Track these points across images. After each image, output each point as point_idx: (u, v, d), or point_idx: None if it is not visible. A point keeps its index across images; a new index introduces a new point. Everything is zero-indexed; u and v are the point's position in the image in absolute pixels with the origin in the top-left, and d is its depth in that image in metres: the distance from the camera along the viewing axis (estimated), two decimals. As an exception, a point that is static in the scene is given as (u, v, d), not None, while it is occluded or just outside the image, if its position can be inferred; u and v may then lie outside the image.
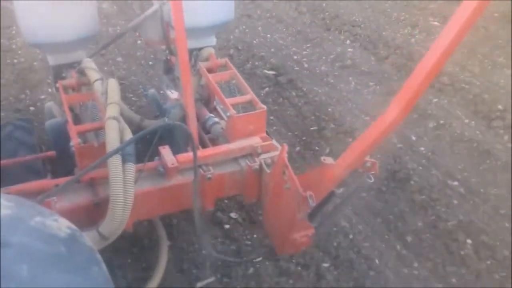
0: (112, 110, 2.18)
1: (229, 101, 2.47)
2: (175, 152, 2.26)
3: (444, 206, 3.15)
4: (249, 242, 2.92)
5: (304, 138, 3.90)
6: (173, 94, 3.20)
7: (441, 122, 4.04)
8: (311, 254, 2.79)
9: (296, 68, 5.02)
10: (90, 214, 2.09)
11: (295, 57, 5.28)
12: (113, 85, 2.36)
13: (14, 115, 4.17)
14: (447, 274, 2.71)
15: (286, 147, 2.06)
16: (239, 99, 2.62)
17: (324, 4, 6.62)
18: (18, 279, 1.02)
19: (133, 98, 4.43)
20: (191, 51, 2.74)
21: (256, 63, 5.11)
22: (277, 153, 2.24)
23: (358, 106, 4.33)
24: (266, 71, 4.93)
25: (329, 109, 4.26)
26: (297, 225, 2.08)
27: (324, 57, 5.26)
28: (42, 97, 4.46)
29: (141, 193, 2.11)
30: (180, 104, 2.66)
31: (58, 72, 2.90)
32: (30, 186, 2.09)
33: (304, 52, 5.39)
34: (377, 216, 3.07)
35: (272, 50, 5.45)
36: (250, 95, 2.53)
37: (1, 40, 5.48)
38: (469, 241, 2.90)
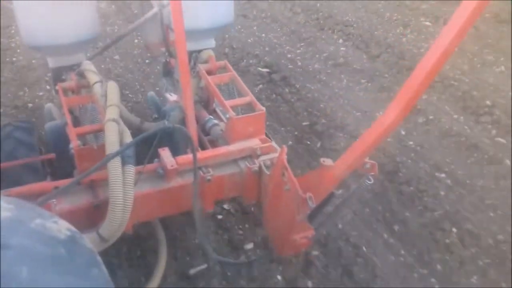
0: (112, 112, 2.17)
1: (228, 103, 2.48)
2: (175, 154, 2.26)
3: (431, 197, 3.24)
4: (241, 232, 3.00)
5: (296, 133, 3.99)
6: (172, 96, 3.21)
7: (430, 117, 4.14)
8: (301, 243, 2.87)
9: (290, 66, 5.12)
10: (90, 216, 2.09)
11: (289, 55, 5.38)
12: (112, 87, 2.37)
13: (12, 111, 4.26)
14: (432, 260, 2.80)
15: (285, 149, 2.05)
16: (238, 101, 2.61)
17: (318, 5, 6.74)
18: (18, 281, 1.02)
19: (130, 95, 4.52)
20: (190, 53, 2.75)
21: (251, 61, 5.21)
22: (276, 154, 2.25)
23: (350, 102, 4.42)
24: (260, 69, 5.03)
25: (321, 105, 4.35)
26: (297, 227, 2.08)
27: (317, 56, 5.36)
28: (41, 94, 4.55)
29: (140, 195, 2.10)
30: (180, 106, 2.67)
31: (58, 75, 2.90)
32: (30, 188, 2.09)
33: (298, 51, 5.50)
34: (365, 207, 3.15)
35: (267, 49, 5.56)
36: (249, 97, 2.53)
37: (1, 39, 5.58)
38: (454, 229, 2.98)
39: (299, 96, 4.51)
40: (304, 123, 4.10)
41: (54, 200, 2.00)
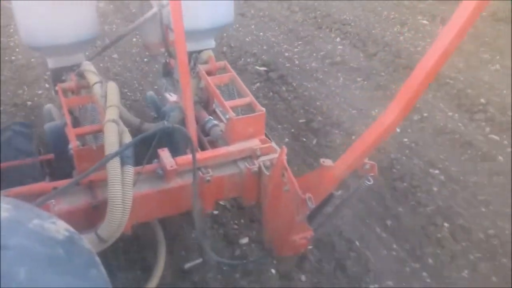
0: (111, 113, 2.17)
1: (228, 103, 2.48)
2: (174, 154, 2.26)
3: (424, 192, 3.29)
4: (236, 227, 3.05)
5: (292, 130, 4.04)
6: (172, 97, 3.22)
7: (425, 115, 4.18)
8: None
9: (287, 65, 5.16)
10: (89, 217, 2.08)
11: (286, 54, 5.42)
12: (112, 88, 2.37)
13: (11, 109, 4.31)
14: (424, 255, 2.84)
15: (285, 150, 2.04)
16: (238, 101, 2.60)
17: (316, 4, 6.78)
18: (16, 281, 1.02)
19: (128, 93, 4.57)
20: (190, 54, 2.74)
21: (248, 59, 5.26)
22: (276, 155, 2.25)
23: (346, 100, 4.46)
24: (257, 67, 5.07)
25: (318, 103, 4.40)
26: (296, 227, 2.09)
27: (314, 54, 5.40)
28: (39, 92, 4.60)
29: (139, 195, 2.10)
30: (179, 106, 2.67)
31: (58, 75, 2.89)
32: (28, 188, 2.08)
33: (295, 50, 5.54)
34: (358, 202, 3.20)
35: (264, 47, 5.60)
36: (249, 98, 2.53)
37: (1, 39, 5.63)
38: (446, 224, 3.03)
39: (296, 94, 4.55)
40: (301, 121, 4.15)
41: (53, 200, 2.00)
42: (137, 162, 2.05)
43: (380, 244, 2.91)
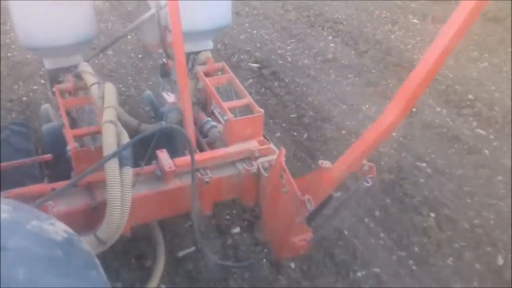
0: (109, 114, 2.16)
1: (226, 105, 2.47)
2: (173, 155, 2.26)
3: (411, 184, 3.37)
4: (228, 217, 3.12)
5: (284, 125, 4.12)
6: (170, 97, 3.22)
7: (414, 110, 4.27)
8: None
9: (280, 62, 5.24)
10: (88, 218, 2.07)
11: (279, 51, 5.51)
12: (109, 89, 2.36)
13: (7, 104, 4.37)
14: (410, 244, 2.93)
15: (283, 151, 2.03)
16: (236, 103, 2.59)
17: (309, 3, 6.87)
18: (15, 282, 1.02)
19: (123, 89, 4.63)
20: (188, 55, 2.72)
21: (242, 56, 5.33)
22: (274, 156, 2.26)
23: (337, 96, 4.55)
24: (251, 64, 5.15)
25: (309, 99, 4.48)
26: (296, 229, 2.07)
27: (307, 52, 5.49)
28: (35, 87, 4.65)
29: (138, 197, 2.09)
30: (178, 107, 2.68)
31: (55, 76, 2.88)
32: (28, 190, 2.07)
33: (288, 47, 5.62)
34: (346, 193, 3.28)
35: (258, 45, 5.68)
36: (247, 99, 2.53)
37: (1, 36, 5.67)
38: (432, 214, 3.11)
39: (288, 90, 4.63)
40: (292, 115, 4.23)
41: (51, 202, 2.00)
42: (136, 163, 2.05)
43: (368, 234, 2.99)
